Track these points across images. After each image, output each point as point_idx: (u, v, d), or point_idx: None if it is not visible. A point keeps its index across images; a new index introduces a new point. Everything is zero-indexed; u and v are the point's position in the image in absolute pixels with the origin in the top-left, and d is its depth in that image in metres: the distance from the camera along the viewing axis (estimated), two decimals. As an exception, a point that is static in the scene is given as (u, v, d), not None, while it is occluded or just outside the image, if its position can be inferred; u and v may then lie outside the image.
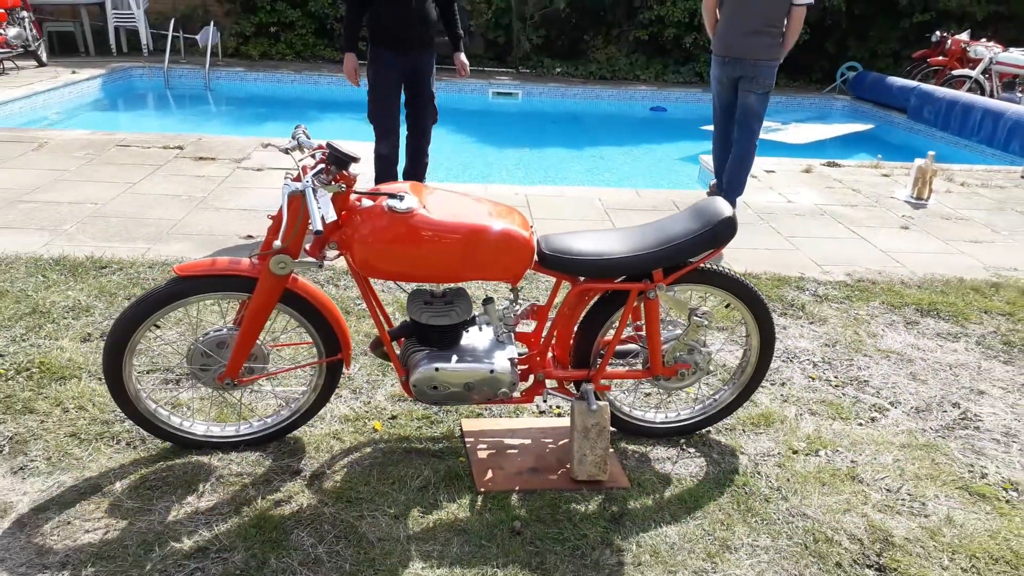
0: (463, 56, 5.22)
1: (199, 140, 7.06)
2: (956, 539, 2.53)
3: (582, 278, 2.67)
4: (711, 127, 5.55)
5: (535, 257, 2.60)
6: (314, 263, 2.51)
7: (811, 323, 4.02)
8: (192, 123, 10.00)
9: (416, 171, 5.41)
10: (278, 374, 2.67)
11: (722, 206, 2.61)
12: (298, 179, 2.40)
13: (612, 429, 2.94)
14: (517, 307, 2.77)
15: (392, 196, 2.44)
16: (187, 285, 2.50)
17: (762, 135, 5.50)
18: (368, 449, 2.83)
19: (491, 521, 2.49)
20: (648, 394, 3.24)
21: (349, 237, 2.46)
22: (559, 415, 3.11)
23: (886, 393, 3.40)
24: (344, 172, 2.42)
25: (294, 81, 11.57)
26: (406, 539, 2.40)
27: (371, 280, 2.68)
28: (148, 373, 3.19)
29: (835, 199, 6.21)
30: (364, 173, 3.33)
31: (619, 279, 2.66)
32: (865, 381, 3.49)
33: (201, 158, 6.49)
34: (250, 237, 4.76)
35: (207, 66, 11.37)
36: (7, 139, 6.82)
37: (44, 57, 10.85)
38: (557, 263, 2.59)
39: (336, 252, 2.55)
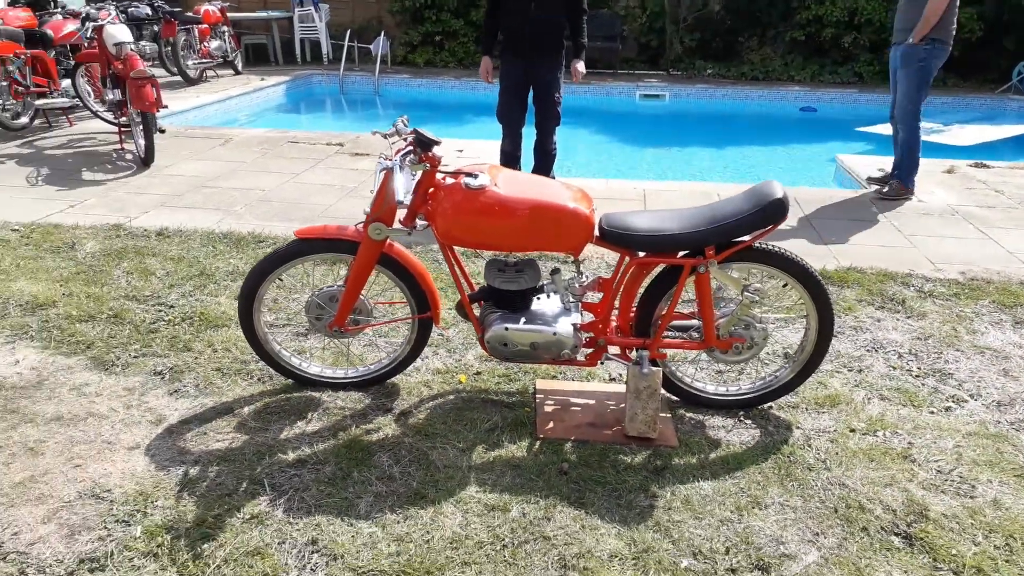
0: (579, 64, 5.57)
1: (357, 138, 7.82)
2: (997, 520, 2.58)
3: (641, 253, 2.94)
4: (869, 128, 5.77)
5: (596, 233, 2.89)
6: (404, 231, 2.94)
7: (908, 317, 4.01)
8: (360, 124, 10.94)
9: (542, 168, 5.80)
10: (379, 326, 3.12)
11: (773, 189, 2.79)
12: (390, 160, 2.84)
13: (674, 398, 3.18)
14: (584, 278, 3.08)
15: (468, 175, 2.83)
16: (305, 245, 3.01)
17: (923, 137, 5.67)
18: (451, 397, 3.23)
19: (543, 461, 2.82)
20: (720, 372, 3.44)
21: (433, 210, 2.87)
22: (613, 379, 3.38)
23: (969, 386, 3.39)
24: (429, 153, 2.83)
25: (454, 87, 12.31)
26: (467, 468, 2.78)
27: (456, 249, 3.07)
28: (281, 326, 3.78)
29: (972, 200, 5.97)
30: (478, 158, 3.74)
31: (674, 255, 2.91)
32: (949, 374, 3.49)
33: (357, 154, 7.21)
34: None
35: (376, 73, 12.36)
36: (201, 136, 7.89)
37: (240, 66, 12.24)
38: (615, 238, 2.87)
39: (425, 223, 2.97)
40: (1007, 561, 2.40)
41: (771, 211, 2.76)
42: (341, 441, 2.93)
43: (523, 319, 2.99)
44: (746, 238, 2.86)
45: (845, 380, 3.41)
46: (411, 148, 2.84)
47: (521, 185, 2.89)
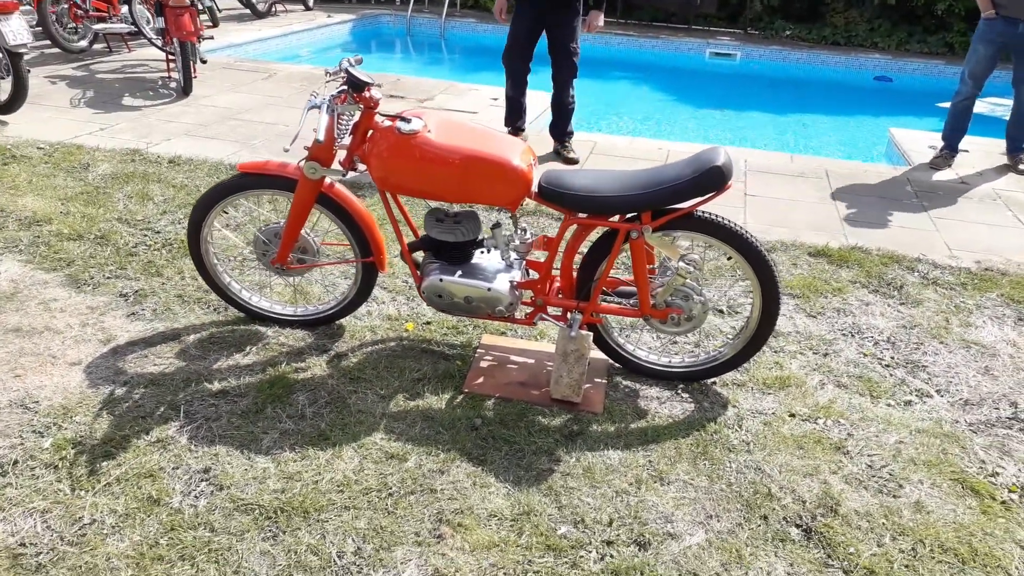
0: (599, 17, 5.35)
1: (397, 80, 7.80)
2: (912, 523, 2.42)
3: (582, 214, 2.83)
4: (949, 103, 5.62)
5: (535, 189, 2.80)
6: (339, 172, 2.92)
7: (901, 304, 3.78)
8: (419, 67, 10.91)
9: (558, 123, 5.63)
10: (321, 266, 3.12)
11: (714, 155, 2.64)
12: (319, 98, 2.80)
13: (616, 365, 3.10)
14: (528, 236, 3.00)
15: (403, 119, 2.77)
16: (246, 179, 3.02)
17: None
18: (392, 344, 3.23)
19: (458, 415, 2.80)
20: (666, 342, 3.32)
21: (368, 152, 2.83)
22: (575, 345, 3.29)
23: (940, 381, 3.18)
24: (362, 95, 2.77)
25: (519, 33, 12.07)
26: (380, 415, 2.79)
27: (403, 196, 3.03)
28: (252, 261, 3.83)
29: (1022, 186, 5.53)
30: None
31: (609, 218, 2.79)
32: (923, 367, 3.28)
33: (392, 96, 7.19)
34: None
35: (443, 16, 12.25)
36: (247, 69, 8.01)
37: (311, 2, 12.31)
38: (551, 196, 2.77)
39: (364, 166, 2.93)
40: (906, 566, 2.26)
41: (708, 178, 2.61)
42: (267, 376, 2.97)
43: (459, 272, 2.95)
44: (685, 205, 2.72)
45: (805, 363, 3.25)
46: (344, 88, 2.79)
47: (457, 133, 2.81)
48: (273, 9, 11.63)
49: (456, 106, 6.88)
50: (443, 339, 3.29)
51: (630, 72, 10.79)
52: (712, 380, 3.08)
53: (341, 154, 2.94)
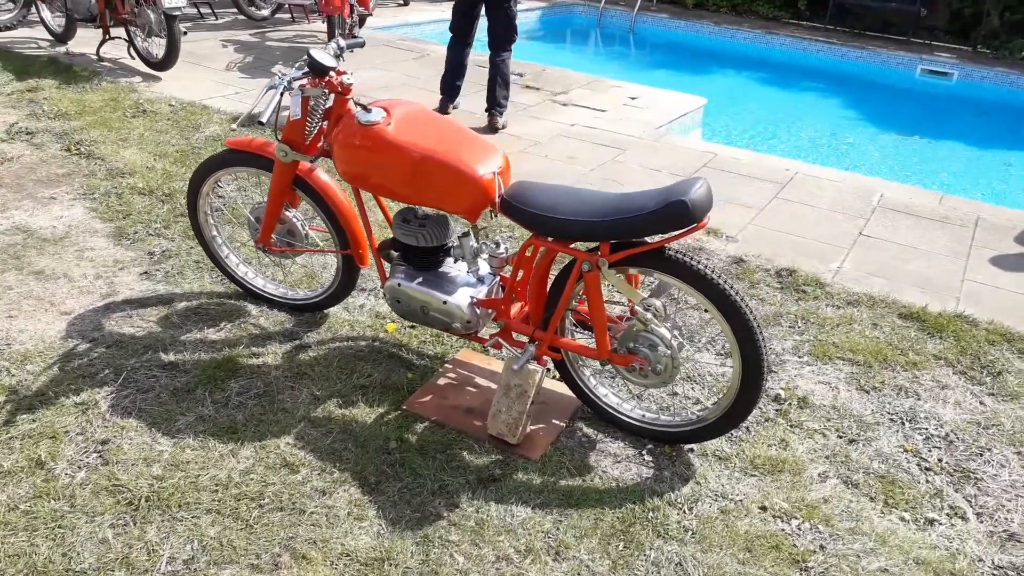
0: None
1: (542, 71, 7.58)
2: None
3: (546, 236, 2.49)
4: None
5: (497, 200, 2.50)
6: (304, 157, 2.77)
7: (989, 394, 3.04)
8: (596, 60, 10.64)
9: (492, 95, 5.64)
10: (302, 252, 3.01)
11: (686, 187, 2.19)
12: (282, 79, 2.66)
13: (586, 408, 2.74)
14: (501, 251, 2.70)
15: (364, 108, 2.57)
16: (231, 156, 2.97)
17: None
18: (363, 343, 3.06)
19: (380, 433, 2.57)
20: (640, 394, 2.88)
21: (332, 140, 2.66)
22: (554, 377, 2.95)
23: (988, 502, 2.50)
24: (324, 78, 2.60)
25: (711, 34, 11.44)
26: (301, 418, 2.63)
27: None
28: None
29: None
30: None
31: (567, 244, 2.43)
32: (976, 479, 2.60)
33: (528, 86, 7.00)
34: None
35: (635, 10, 11.84)
36: (404, 48, 8.14)
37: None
38: (511, 211, 2.45)
39: (338, 152, 2.77)
40: None
41: (670, 212, 2.17)
42: (220, 356, 2.91)
43: (420, 278, 2.72)
44: (655, 239, 2.30)
45: (819, 446, 2.68)
46: (306, 70, 2.63)
47: (419, 129, 2.56)
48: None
49: (589, 102, 6.56)
50: (419, 347, 3.07)
51: (821, 83, 9.83)
52: (691, 447, 2.62)
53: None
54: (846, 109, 8.86)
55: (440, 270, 2.76)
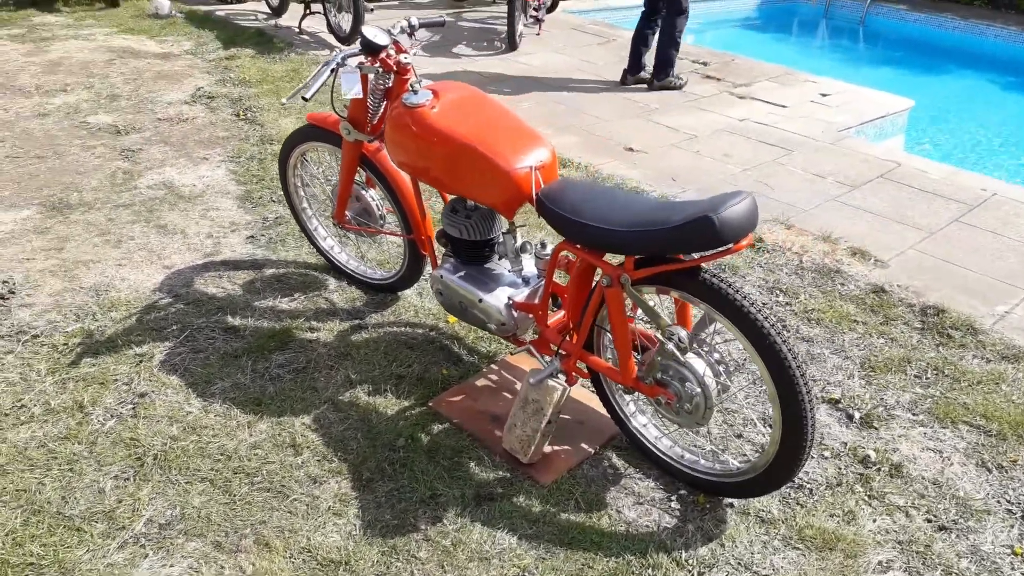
0: None
1: (731, 61, 7.05)
2: None
3: (575, 242, 2.23)
4: None
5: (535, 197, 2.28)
6: (364, 137, 2.71)
7: None
8: (811, 54, 9.77)
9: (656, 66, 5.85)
10: (375, 233, 2.95)
11: (723, 201, 1.84)
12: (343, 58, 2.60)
13: (621, 434, 2.47)
14: (547, 252, 2.48)
15: (413, 91, 2.45)
16: (312, 131, 2.97)
17: None
18: (420, 331, 2.97)
19: (394, 428, 2.47)
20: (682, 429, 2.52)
21: (386, 121, 2.57)
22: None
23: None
24: (379, 56, 2.51)
25: (955, 29, 10.10)
26: (327, 400, 2.59)
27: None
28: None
29: None
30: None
31: (595, 253, 2.16)
32: (1104, 609, 2.02)
33: (708, 76, 6.54)
34: (630, 150, 4.84)
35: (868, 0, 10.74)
36: (592, 32, 7.93)
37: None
38: (545, 212, 2.22)
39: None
40: None
41: (693, 230, 1.84)
42: (279, 326, 2.95)
43: (464, 272, 2.57)
44: (694, 258, 1.98)
45: (894, 526, 2.21)
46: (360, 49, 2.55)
47: (464, 115, 2.39)
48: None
49: (770, 97, 6.00)
50: (474, 343, 2.93)
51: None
52: (731, 501, 2.27)
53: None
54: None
55: (486, 266, 2.59)
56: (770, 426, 2.53)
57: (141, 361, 2.72)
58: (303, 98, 2.43)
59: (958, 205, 4.24)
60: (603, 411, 2.53)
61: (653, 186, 4.29)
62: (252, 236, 3.60)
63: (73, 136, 4.65)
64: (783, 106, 5.82)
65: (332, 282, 3.25)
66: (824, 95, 6.12)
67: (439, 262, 2.70)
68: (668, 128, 5.25)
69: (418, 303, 3.13)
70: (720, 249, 1.88)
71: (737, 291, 1.93)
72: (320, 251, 3.33)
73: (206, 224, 3.68)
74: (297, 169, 3.20)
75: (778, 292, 3.33)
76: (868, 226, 3.92)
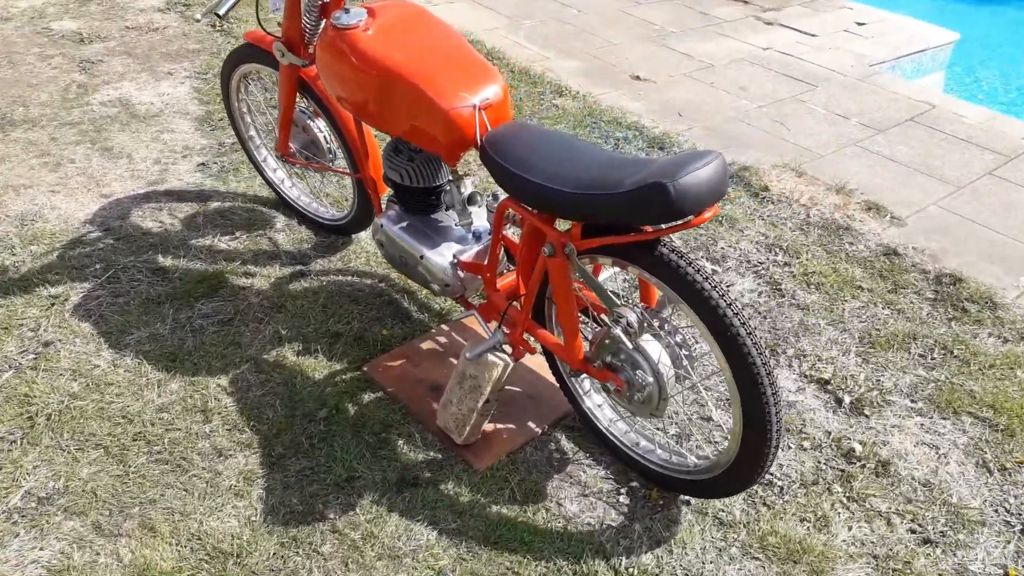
0: None
1: None
2: None
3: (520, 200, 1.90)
4: None
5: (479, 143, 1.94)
6: (299, 61, 2.36)
7: None
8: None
9: None
10: (320, 168, 2.63)
11: (684, 165, 1.49)
12: None
13: (573, 411, 2.19)
14: (496, 205, 2.15)
15: (345, 10, 2.08)
16: (249, 51, 2.62)
17: None
18: (368, 281, 2.68)
19: (319, 396, 2.21)
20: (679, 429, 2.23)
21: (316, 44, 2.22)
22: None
23: None
24: None
25: (1016, -50, 9.25)
26: (248, 359, 2.32)
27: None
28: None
29: None
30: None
31: (541, 214, 1.83)
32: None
33: (767, 9, 5.98)
34: (637, 78, 4.42)
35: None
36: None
37: None
38: (485, 160, 1.88)
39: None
40: None
41: (643, 199, 1.50)
42: (212, 268, 2.67)
43: (405, 223, 2.26)
44: (647, 231, 1.65)
45: (872, 536, 1.93)
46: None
47: (403, 40, 2.03)
48: None
49: (800, 24, 5.47)
50: (426, 299, 2.63)
51: None
52: (687, 498, 1.99)
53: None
54: None
55: (432, 216, 2.27)
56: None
57: (53, 304, 2.47)
58: (216, 15, 2.08)
59: (994, 156, 3.80)
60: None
61: (656, 122, 3.89)
62: (204, 164, 3.29)
63: (32, 44, 4.31)
64: (812, 35, 5.30)
65: (281, 220, 2.95)
66: (860, 24, 5.57)
67: (383, 208, 2.38)
68: (682, 55, 4.79)
69: (371, 249, 2.83)
70: (677, 223, 1.54)
71: (698, 271, 1.60)
72: (269, 184, 3.02)
73: (156, 148, 3.38)
74: (241, 93, 2.86)
75: (777, 250, 2.98)
76: (889, 177, 3.52)
